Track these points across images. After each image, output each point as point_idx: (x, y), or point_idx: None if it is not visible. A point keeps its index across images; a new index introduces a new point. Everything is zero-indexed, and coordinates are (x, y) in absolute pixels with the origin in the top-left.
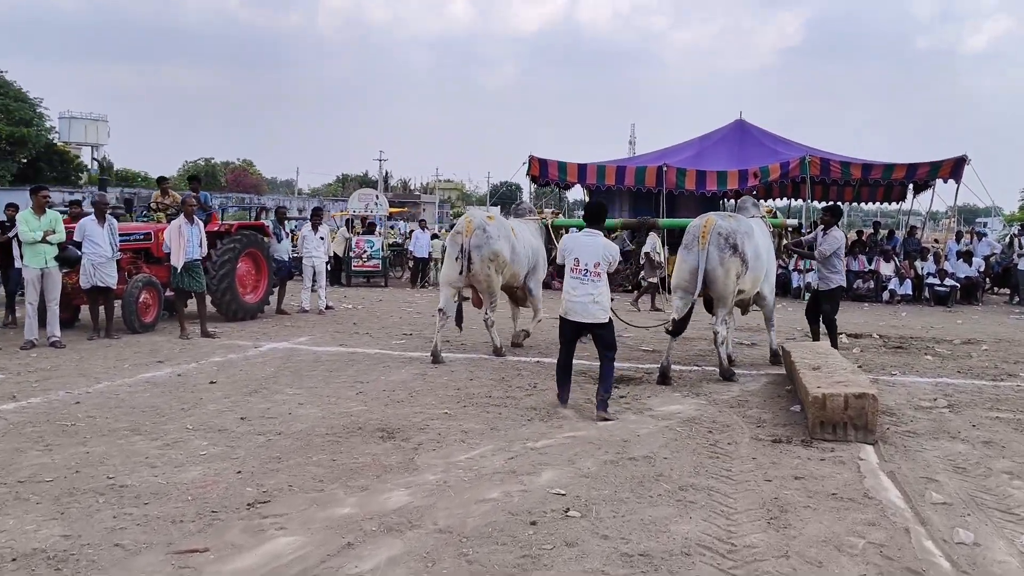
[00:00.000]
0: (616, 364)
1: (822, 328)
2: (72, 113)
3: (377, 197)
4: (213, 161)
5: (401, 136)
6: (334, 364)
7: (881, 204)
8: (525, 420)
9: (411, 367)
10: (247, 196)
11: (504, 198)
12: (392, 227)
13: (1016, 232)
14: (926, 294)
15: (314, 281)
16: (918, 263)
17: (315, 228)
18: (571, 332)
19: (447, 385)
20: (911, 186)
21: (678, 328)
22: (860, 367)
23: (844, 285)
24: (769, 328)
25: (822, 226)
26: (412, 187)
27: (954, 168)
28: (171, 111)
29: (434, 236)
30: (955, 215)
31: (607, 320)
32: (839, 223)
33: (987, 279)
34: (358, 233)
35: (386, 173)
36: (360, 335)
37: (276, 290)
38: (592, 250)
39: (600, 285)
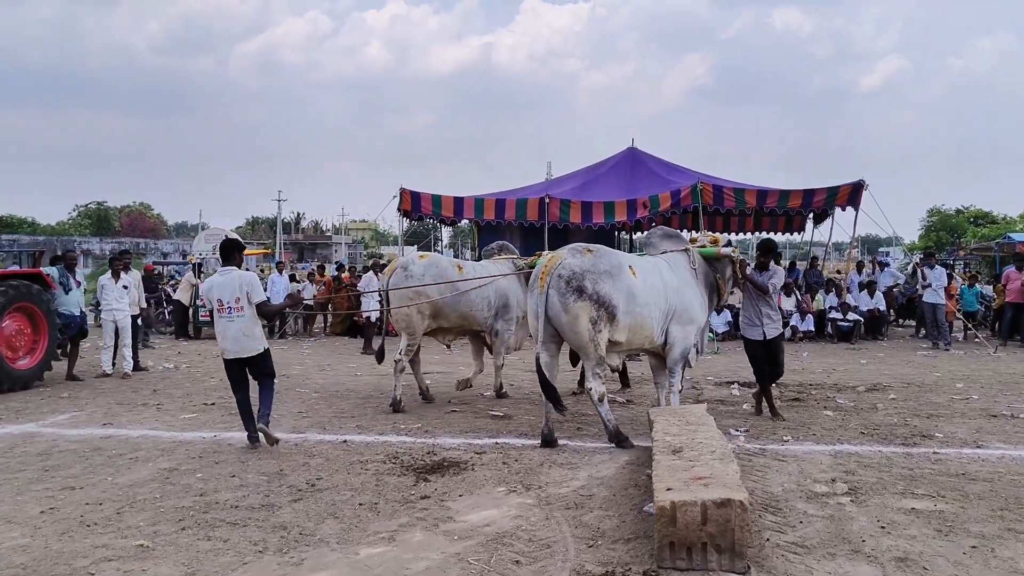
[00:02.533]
0: (445, 440)
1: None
2: None
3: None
4: (106, 205)
5: (313, 179)
6: (64, 458)
7: (783, 234)
8: (255, 552)
9: (166, 459)
10: (142, 240)
11: (420, 237)
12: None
13: (919, 261)
14: (829, 330)
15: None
16: (820, 296)
17: (116, 276)
18: (236, 371)
19: (188, 489)
20: (811, 216)
21: (545, 387)
22: (747, 432)
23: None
24: (668, 384)
25: (753, 266)
26: (324, 228)
27: (851, 194)
28: (71, 156)
29: (292, 279)
30: (857, 244)
31: (263, 350)
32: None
33: (892, 311)
34: (203, 278)
35: (299, 214)
36: (147, 407)
37: (68, 351)
38: (229, 287)
39: (245, 319)
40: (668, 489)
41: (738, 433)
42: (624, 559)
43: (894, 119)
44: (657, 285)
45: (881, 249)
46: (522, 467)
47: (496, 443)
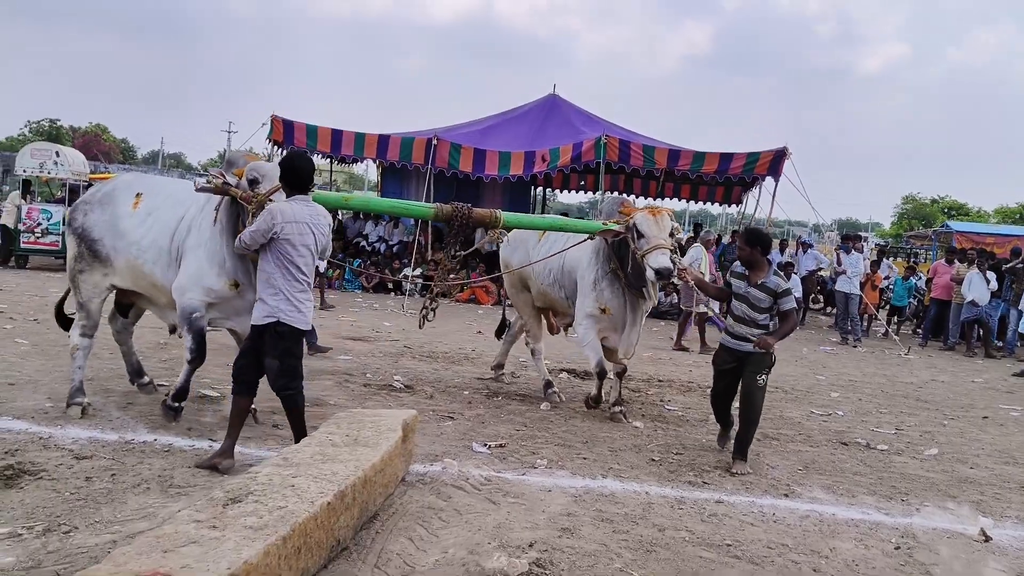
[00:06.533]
0: (71, 432)
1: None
2: None
3: (58, 154)
4: (59, 123)
5: (298, 114)
6: None
7: (720, 205)
8: None
9: None
10: (92, 163)
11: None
12: None
13: (838, 246)
14: None
15: None
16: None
17: None
18: None
19: None
20: (748, 183)
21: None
22: (501, 447)
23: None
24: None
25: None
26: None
27: (772, 162)
28: (44, 72)
29: None
30: (834, 227)
31: None
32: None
33: (821, 297)
34: (35, 199)
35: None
36: None
37: None
38: None
39: None
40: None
41: (483, 449)
42: None
43: (886, 104)
44: (167, 220)
45: (862, 234)
46: (94, 493)
47: (141, 442)
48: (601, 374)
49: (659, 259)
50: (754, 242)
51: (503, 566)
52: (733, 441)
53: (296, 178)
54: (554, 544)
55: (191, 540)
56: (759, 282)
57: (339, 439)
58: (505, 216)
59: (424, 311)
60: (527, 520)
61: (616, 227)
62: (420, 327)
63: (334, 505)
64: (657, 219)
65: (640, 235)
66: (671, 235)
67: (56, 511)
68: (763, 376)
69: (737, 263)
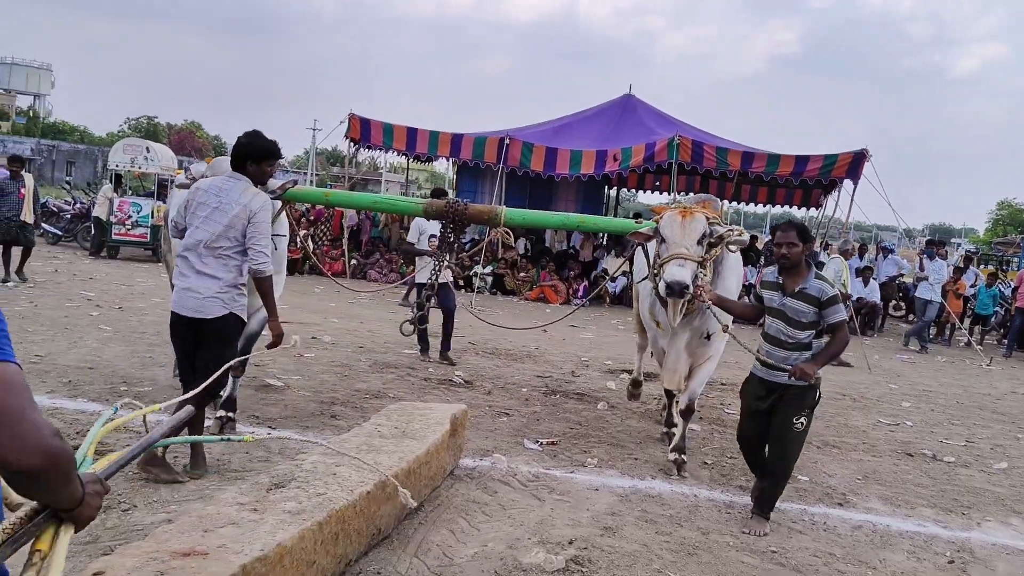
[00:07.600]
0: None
1: None
2: (14, 59)
3: (148, 149)
4: (156, 120)
5: (380, 113)
6: None
7: (800, 209)
8: None
9: None
10: (185, 159)
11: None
12: None
13: (921, 251)
14: None
15: None
16: None
17: None
18: None
19: None
20: (819, 188)
21: None
22: (553, 446)
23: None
24: None
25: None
26: (379, 165)
27: (851, 165)
28: (141, 69)
29: None
30: (927, 232)
31: None
32: None
33: (902, 303)
34: (126, 193)
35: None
36: None
37: None
38: None
39: None
40: None
41: (535, 446)
42: None
43: (982, 106)
44: None
45: (954, 240)
46: None
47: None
48: (635, 382)
49: (671, 271)
50: (807, 237)
51: (540, 562)
52: (757, 491)
53: (232, 156)
54: (594, 542)
55: (231, 521)
56: (797, 289)
57: (387, 431)
58: (507, 212)
59: (414, 317)
60: (570, 518)
61: (644, 230)
62: (405, 335)
63: (374, 494)
64: (684, 222)
65: (663, 240)
66: (715, 242)
67: (118, 490)
68: (802, 419)
69: (768, 269)
